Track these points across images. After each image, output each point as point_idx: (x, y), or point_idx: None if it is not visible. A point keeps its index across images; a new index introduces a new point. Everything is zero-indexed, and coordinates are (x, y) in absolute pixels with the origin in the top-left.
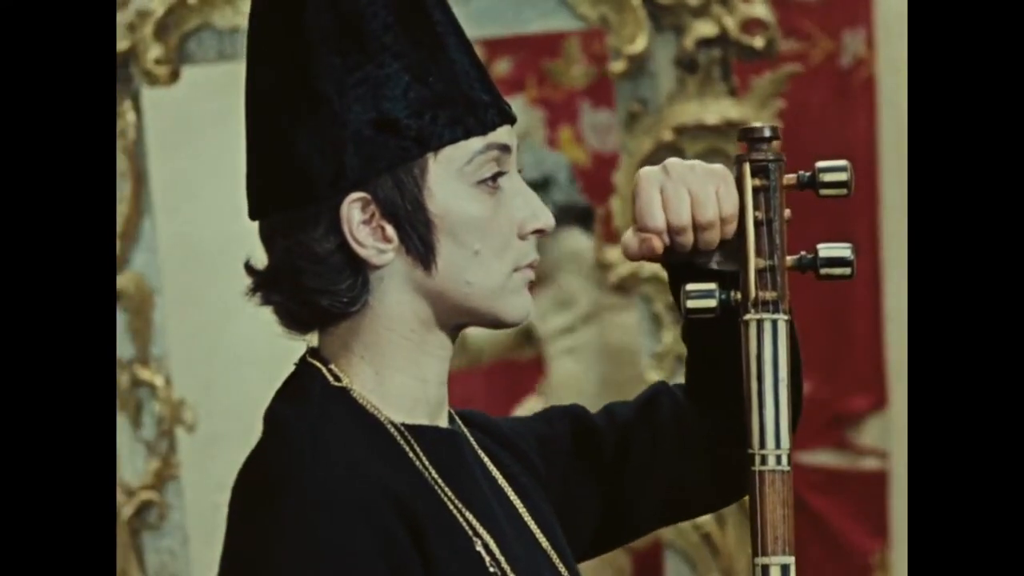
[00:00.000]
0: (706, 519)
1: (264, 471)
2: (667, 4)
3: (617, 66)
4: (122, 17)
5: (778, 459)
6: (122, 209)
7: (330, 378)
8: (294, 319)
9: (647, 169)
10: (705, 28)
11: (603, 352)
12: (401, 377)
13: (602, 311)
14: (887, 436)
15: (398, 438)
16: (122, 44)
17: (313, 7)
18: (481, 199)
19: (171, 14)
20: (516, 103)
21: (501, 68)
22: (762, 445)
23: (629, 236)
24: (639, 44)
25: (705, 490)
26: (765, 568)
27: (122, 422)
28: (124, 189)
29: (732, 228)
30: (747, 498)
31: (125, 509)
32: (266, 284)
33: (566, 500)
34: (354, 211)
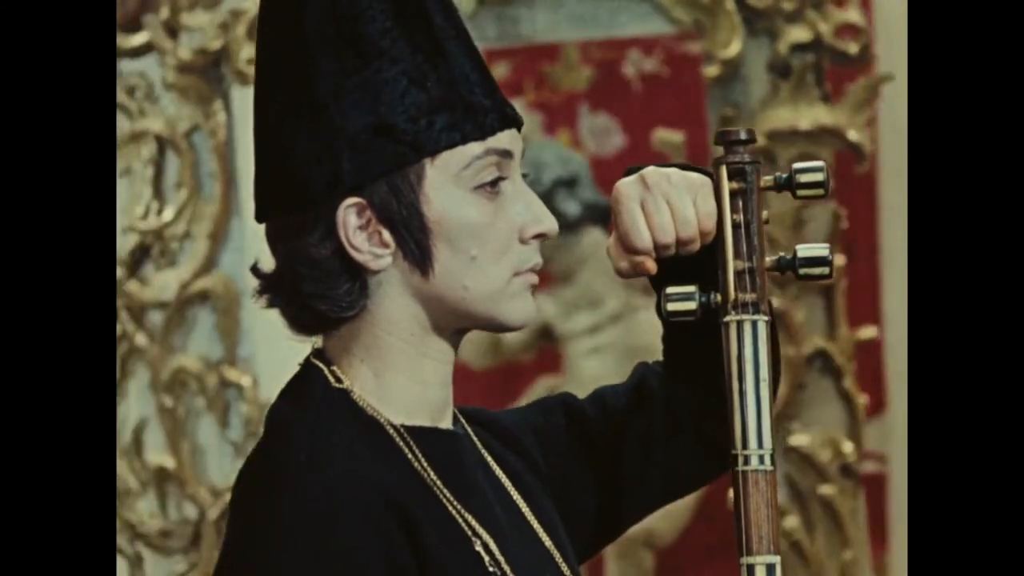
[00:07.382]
0: (795, 526)
1: (263, 472)
2: (761, 9)
3: (711, 70)
4: (214, 17)
5: (761, 459)
6: (211, 209)
7: (332, 379)
8: (297, 323)
9: (625, 183)
10: (799, 33)
11: (628, 352)
12: (401, 380)
13: (629, 311)
14: (886, 439)
15: (397, 439)
16: (214, 44)
17: (312, 12)
18: (479, 204)
19: None
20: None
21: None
22: (744, 445)
23: (619, 259)
24: (733, 49)
25: (695, 466)
26: (751, 568)
27: (210, 423)
28: (214, 189)
29: (711, 237)
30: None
31: (212, 510)
32: (270, 288)
33: (565, 491)
34: (350, 216)
